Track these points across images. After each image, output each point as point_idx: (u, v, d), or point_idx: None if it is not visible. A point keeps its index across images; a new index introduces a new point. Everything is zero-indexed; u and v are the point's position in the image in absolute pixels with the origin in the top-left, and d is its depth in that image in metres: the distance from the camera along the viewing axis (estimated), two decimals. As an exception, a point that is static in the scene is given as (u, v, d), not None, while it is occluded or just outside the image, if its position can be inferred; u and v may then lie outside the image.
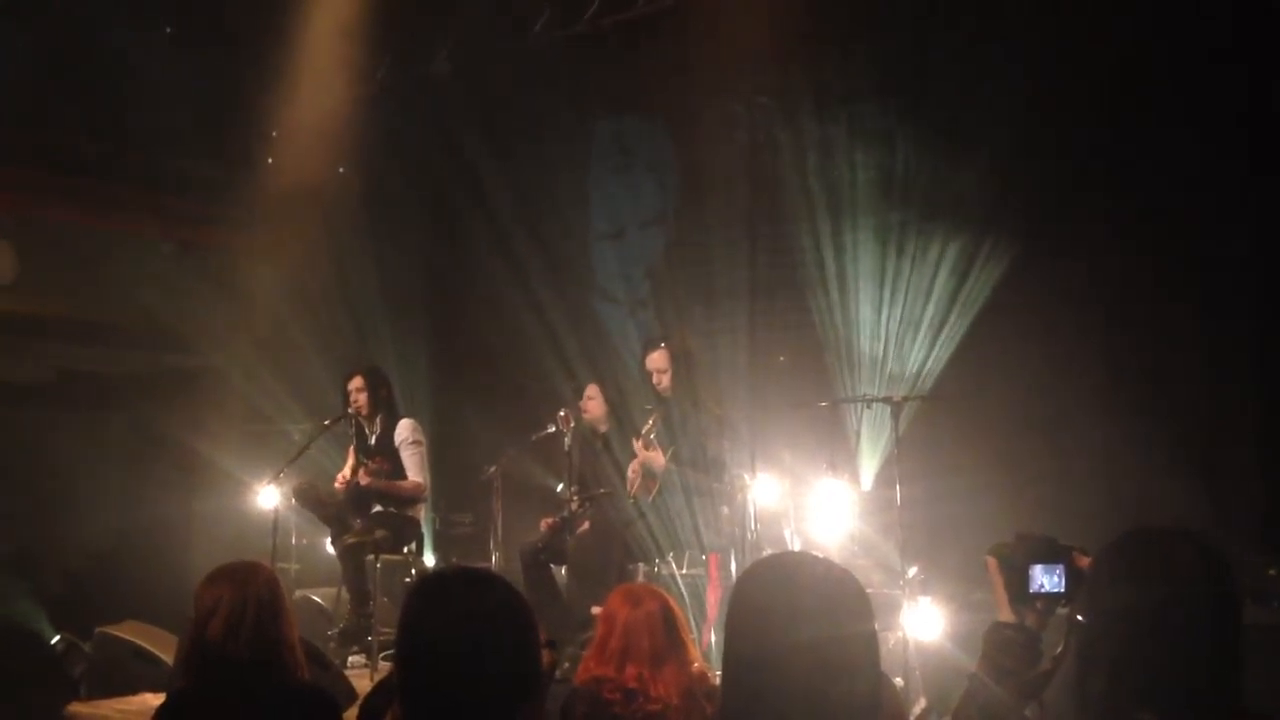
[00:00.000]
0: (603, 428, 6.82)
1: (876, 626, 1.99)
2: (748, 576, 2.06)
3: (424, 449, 6.96)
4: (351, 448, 7.11)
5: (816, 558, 2.07)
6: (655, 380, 6.37)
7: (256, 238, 9.11)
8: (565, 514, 6.58)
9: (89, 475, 8.27)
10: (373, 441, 6.99)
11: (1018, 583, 2.09)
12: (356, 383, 7.00)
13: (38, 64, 7.71)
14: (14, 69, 7.62)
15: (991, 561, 2.14)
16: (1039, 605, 2.08)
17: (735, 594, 2.02)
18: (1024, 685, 2.04)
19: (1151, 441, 5.87)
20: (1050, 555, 2.09)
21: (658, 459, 6.19)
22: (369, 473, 6.71)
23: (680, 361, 6.33)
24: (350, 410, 7.00)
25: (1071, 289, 6.40)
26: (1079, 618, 2.02)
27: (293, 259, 9.05)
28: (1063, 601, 2.07)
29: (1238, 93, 5.91)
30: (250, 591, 3.09)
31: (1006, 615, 2.09)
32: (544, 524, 6.66)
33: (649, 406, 6.37)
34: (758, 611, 1.96)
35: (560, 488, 6.99)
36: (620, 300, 8.93)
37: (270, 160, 9.00)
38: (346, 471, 6.89)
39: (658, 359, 6.37)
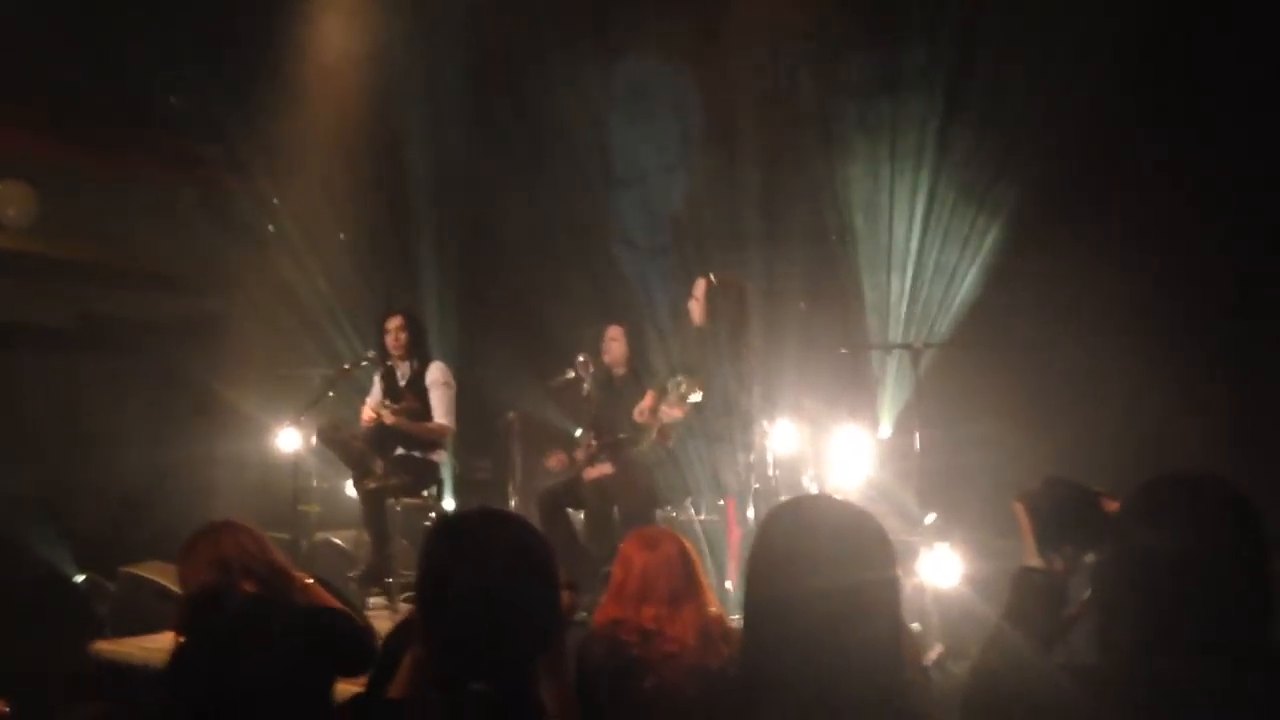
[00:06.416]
0: (620, 370, 6.79)
1: (898, 572, 1.98)
2: (769, 521, 2.04)
3: (453, 392, 6.95)
4: (378, 388, 7.09)
5: (839, 502, 2.06)
6: (689, 308, 6.26)
7: (278, 182, 9.07)
8: (577, 452, 6.59)
9: (112, 418, 8.31)
10: (403, 383, 6.99)
11: (1045, 528, 2.07)
12: (397, 321, 6.98)
13: (60, 7, 7.65)
14: (36, 11, 7.57)
15: (1019, 507, 2.12)
16: (1067, 550, 2.07)
17: (757, 538, 2.01)
18: (1048, 631, 2.03)
19: (1179, 388, 5.81)
20: (1078, 500, 2.07)
21: (675, 414, 6.14)
22: (394, 412, 6.70)
23: (717, 299, 6.17)
24: (387, 351, 6.96)
25: (1097, 233, 6.32)
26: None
27: (314, 203, 9.01)
28: (1091, 547, 2.05)
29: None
30: (226, 545, 3.13)
31: (1034, 560, 2.08)
32: (553, 460, 6.66)
33: (689, 361, 6.25)
34: (778, 556, 1.96)
35: (579, 433, 6.99)
36: (640, 245, 8.88)
37: (291, 104, 8.94)
38: (369, 412, 6.86)
39: (696, 288, 6.23)
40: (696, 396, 5.99)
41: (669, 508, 6.25)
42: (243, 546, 3.16)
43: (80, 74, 8.07)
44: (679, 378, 6.16)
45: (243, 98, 8.54)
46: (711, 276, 6.19)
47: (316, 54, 8.57)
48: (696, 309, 6.18)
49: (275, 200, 8.95)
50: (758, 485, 5.87)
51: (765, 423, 5.97)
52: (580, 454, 6.63)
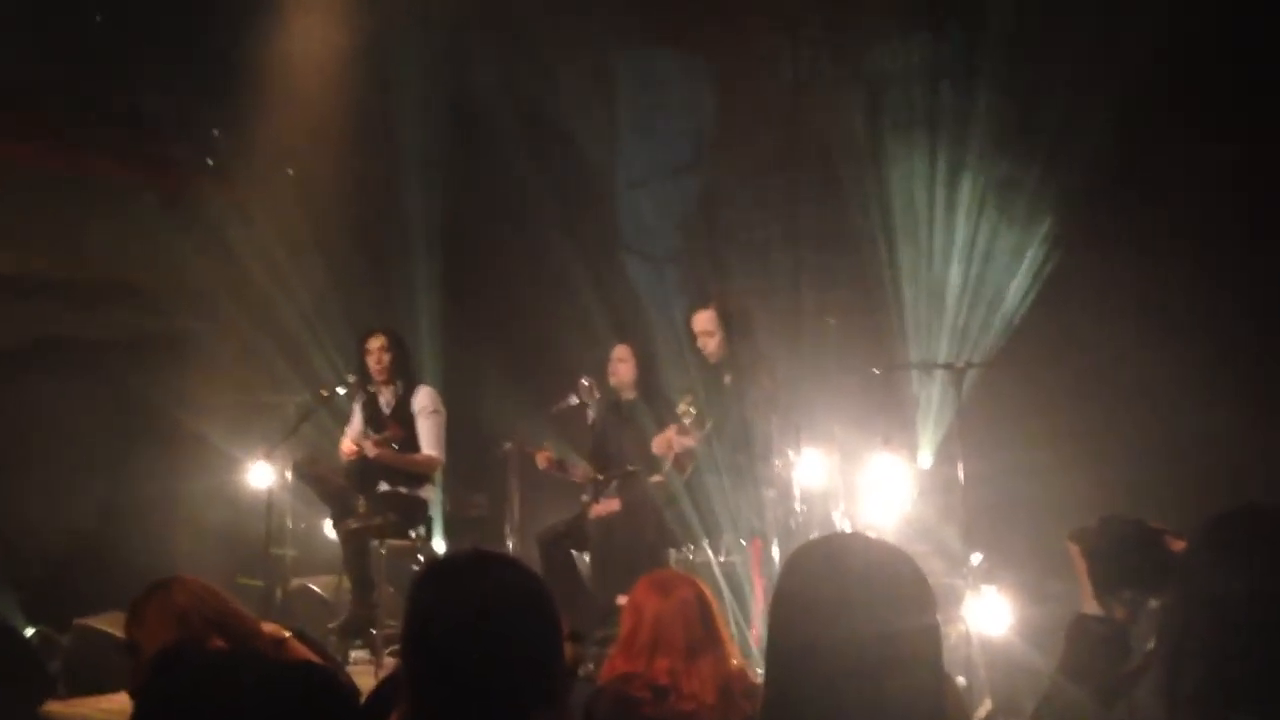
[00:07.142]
0: (629, 395, 6.78)
1: (938, 619, 1.97)
2: (794, 562, 2.04)
3: (443, 420, 6.97)
4: (359, 416, 7.09)
5: (871, 540, 2.05)
6: (701, 344, 6.30)
7: (249, 189, 9.10)
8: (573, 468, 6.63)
9: (67, 450, 8.30)
10: (387, 410, 7.00)
11: (1103, 571, 2.06)
12: (379, 341, 6.99)
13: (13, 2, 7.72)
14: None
15: (1074, 548, 2.11)
16: (1128, 596, 2.06)
17: (780, 581, 2.00)
18: (1109, 685, 2.02)
19: (1253, 409, 5.78)
20: (1139, 539, 2.06)
21: (687, 443, 6.15)
22: (377, 443, 6.71)
23: (732, 324, 6.22)
24: (370, 374, 6.96)
25: (1162, 242, 6.30)
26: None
27: (289, 213, 9.04)
28: (1154, 592, 2.04)
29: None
30: (180, 600, 3.13)
31: (1091, 607, 2.07)
32: (541, 456, 6.69)
33: (691, 383, 6.30)
34: (804, 601, 1.94)
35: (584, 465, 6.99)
36: (650, 254, 8.89)
37: (265, 105, 8.98)
38: (349, 444, 6.85)
39: (704, 320, 6.29)
40: (690, 415, 6.03)
41: (685, 548, 6.24)
42: (199, 598, 3.17)
43: (32, 71, 8.12)
44: (684, 402, 6.19)
45: (217, 99, 8.59)
46: (712, 305, 6.25)
47: (297, 53, 8.61)
48: (711, 343, 6.21)
49: (249, 209, 8.99)
50: (784, 523, 5.86)
51: (790, 453, 5.96)
52: (581, 480, 6.65)
